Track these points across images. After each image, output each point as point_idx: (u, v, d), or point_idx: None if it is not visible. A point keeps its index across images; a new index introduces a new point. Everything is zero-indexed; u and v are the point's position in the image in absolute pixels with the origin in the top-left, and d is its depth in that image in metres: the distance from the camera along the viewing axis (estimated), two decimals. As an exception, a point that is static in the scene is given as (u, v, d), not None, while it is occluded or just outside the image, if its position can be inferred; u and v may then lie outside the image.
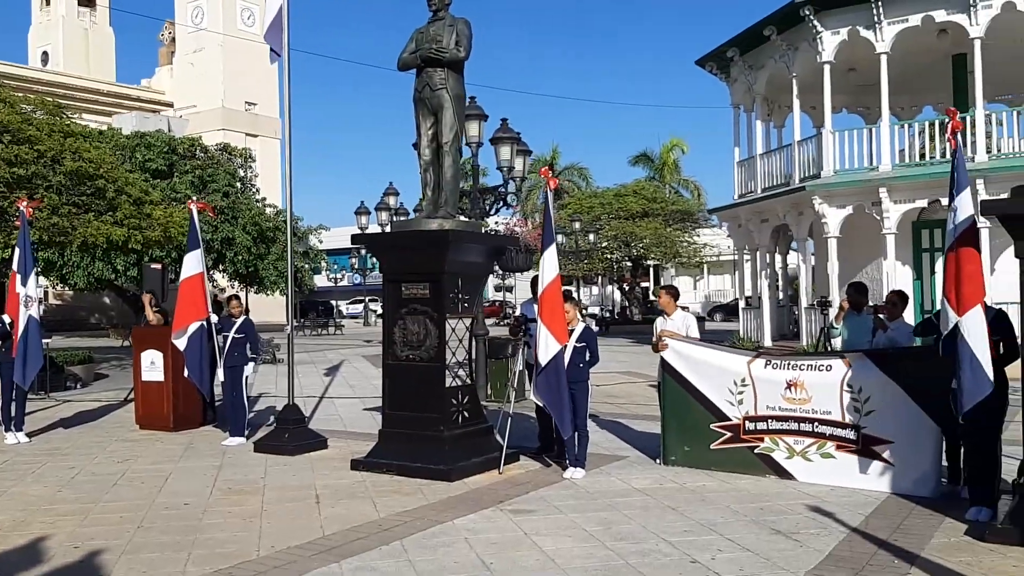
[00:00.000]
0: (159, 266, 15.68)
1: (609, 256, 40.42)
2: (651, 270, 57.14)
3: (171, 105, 50.46)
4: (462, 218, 10.07)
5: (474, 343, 9.30)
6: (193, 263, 10.87)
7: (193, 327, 10.55)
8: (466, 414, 8.62)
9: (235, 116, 49.04)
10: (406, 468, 8.21)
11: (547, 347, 7.99)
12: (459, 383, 8.61)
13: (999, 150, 18.49)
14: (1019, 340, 6.30)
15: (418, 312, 8.47)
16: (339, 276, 60.92)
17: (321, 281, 55.32)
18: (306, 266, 37.92)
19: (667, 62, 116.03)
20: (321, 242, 41.86)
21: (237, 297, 10.88)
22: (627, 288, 47.74)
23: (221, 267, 33.46)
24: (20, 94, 18.62)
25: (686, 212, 42.49)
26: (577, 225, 31.46)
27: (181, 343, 10.59)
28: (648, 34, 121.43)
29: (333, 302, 56.23)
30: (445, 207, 8.54)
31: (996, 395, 6.20)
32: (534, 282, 8.70)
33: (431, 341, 8.39)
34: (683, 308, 9.27)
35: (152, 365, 11.43)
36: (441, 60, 8.42)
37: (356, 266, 50.13)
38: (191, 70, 49.74)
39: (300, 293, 42.00)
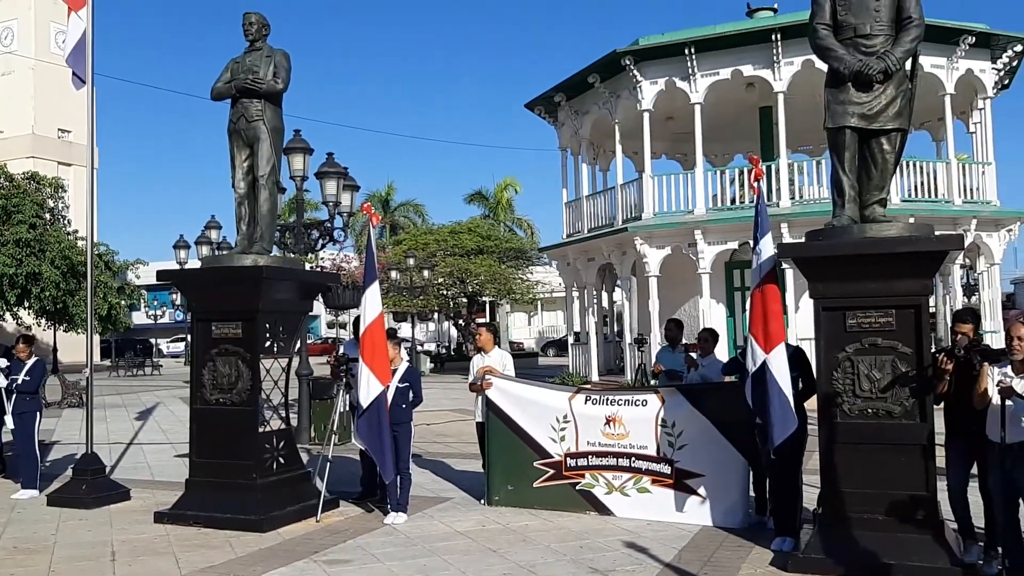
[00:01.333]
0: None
1: (444, 292, 40.38)
2: (486, 306, 57.68)
3: (-25, 130, 46.48)
4: (279, 253, 9.73)
5: (296, 384, 8.94)
6: None
7: None
8: (282, 460, 8.23)
9: (46, 143, 45.79)
10: (215, 520, 7.71)
11: (368, 388, 7.78)
12: (274, 427, 8.23)
13: (801, 196, 19.93)
14: (815, 375, 6.66)
15: (230, 353, 8.05)
16: (159, 313, 57.75)
17: (140, 318, 52.20)
18: (122, 302, 35.67)
19: (502, 103, 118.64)
20: (139, 277, 39.56)
21: (27, 339, 9.94)
22: (462, 324, 47.85)
23: (27, 304, 30.96)
24: None
25: (519, 250, 43.16)
26: (412, 261, 31.19)
27: None
28: (485, 75, 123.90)
29: (152, 340, 53.19)
30: (260, 242, 8.20)
31: (797, 429, 6.54)
32: (356, 321, 8.47)
33: (243, 384, 7.98)
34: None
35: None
36: (258, 91, 8.13)
37: (178, 302, 47.68)
38: (-1, 93, 46.14)
39: (115, 331, 39.45)
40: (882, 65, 6.05)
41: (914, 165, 18.94)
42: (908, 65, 6.34)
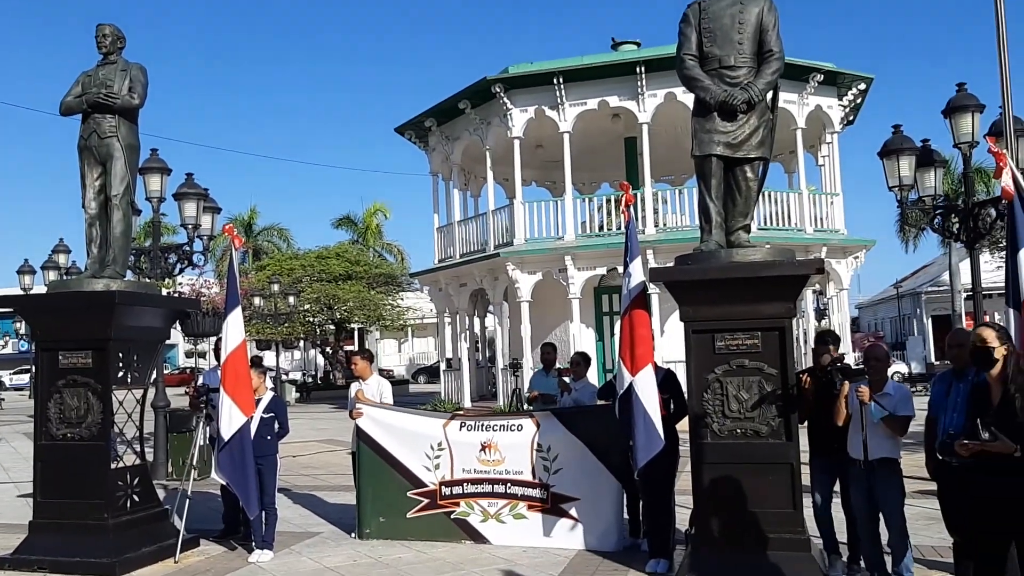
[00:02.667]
0: None
1: (311, 319, 39.43)
2: (355, 333, 56.68)
3: None
4: (134, 278, 9.17)
5: (153, 416, 8.41)
6: None
7: None
8: (136, 497, 7.70)
9: None
10: (62, 564, 7.12)
11: (231, 419, 7.40)
12: (128, 463, 7.70)
13: (665, 224, 20.58)
14: (686, 397, 6.79)
15: (78, 384, 7.49)
16: (1, 343, 53.91)
17: (-22, 349, 48.56)
18: (-42, 332, 33.09)
19: (373, 126, 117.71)
20: (-23, 305, 36.83)
21: None
22: (330, 352, 46.84)
23: None
24: None
25: (389, 275, 42.74)
26: (276, 287, 30.30)
27: None
28: (355, 96, 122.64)
29: (-7, 373, 49.58)
30: (112, 266, 7.70)
31: (668, 451, 6.63)
32: (217, 348, 8.07)
33: (93, 417, 7.44)
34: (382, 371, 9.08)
35: None
36: (112, 106, 7.67)
37: (23, 332, 44.60)
38: None
39: (-50, 364, 36.55)
40: (746, 96, 6.27)
41: (768, 195, 19.89)
42: (769, 97, 6.60)
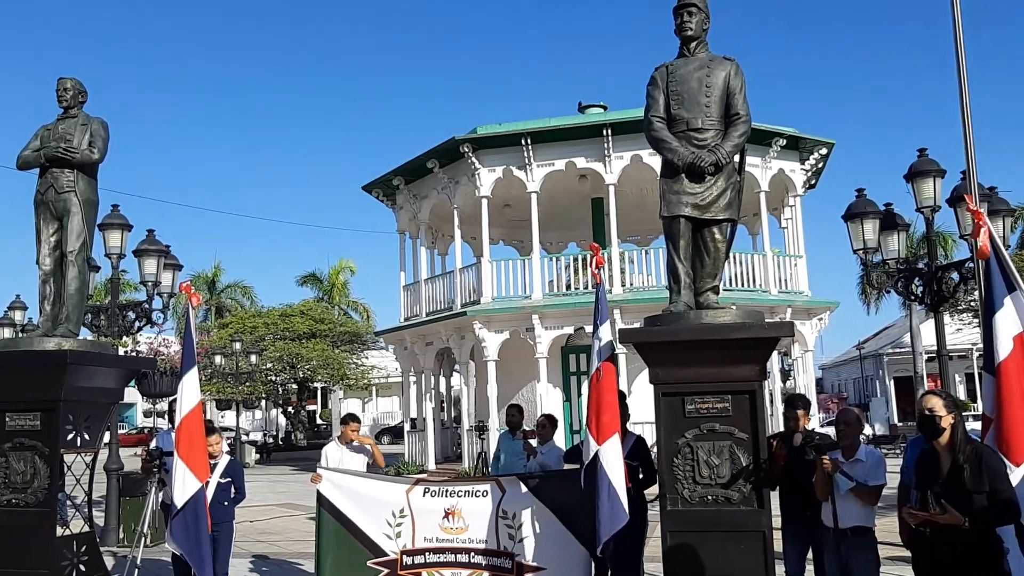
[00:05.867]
0: None
1: (273, 378, 38.86)
2: (318, 392, 55.91)
3: None
4: (92, 336, 8.90)
5: (104, 479, 8.07)
6: None
7: None
8: (82, 568, 7.31)
9: None
10: (-2, 642, 6.72)
11: (184, 485, 7.08)
12: (75, 530, 7.34)
13: (632, 284, 20.65)
14: (655, 463, 6.64)
15: (25, 448, 7.14)
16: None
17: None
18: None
19: (339, 183, 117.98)
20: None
21: None
22: (292, 411, 46.08)
23: None
24: None
25: (354, 334, 42.40)
26: (238, 346, 29.83)
27: None
28: (322, 153, 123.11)
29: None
30: (66, 324, 7.43)
31: (635, 518, 6.45)
32: (171, 409, 7.80)
33: (40, 482, 7.07)
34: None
35: None
36: (71, 160, 7.50)
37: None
38: None
39: None
40: (713, 158, 6.28)
41: (734, 256, 20.08)
42: (736, 159, 6.62)
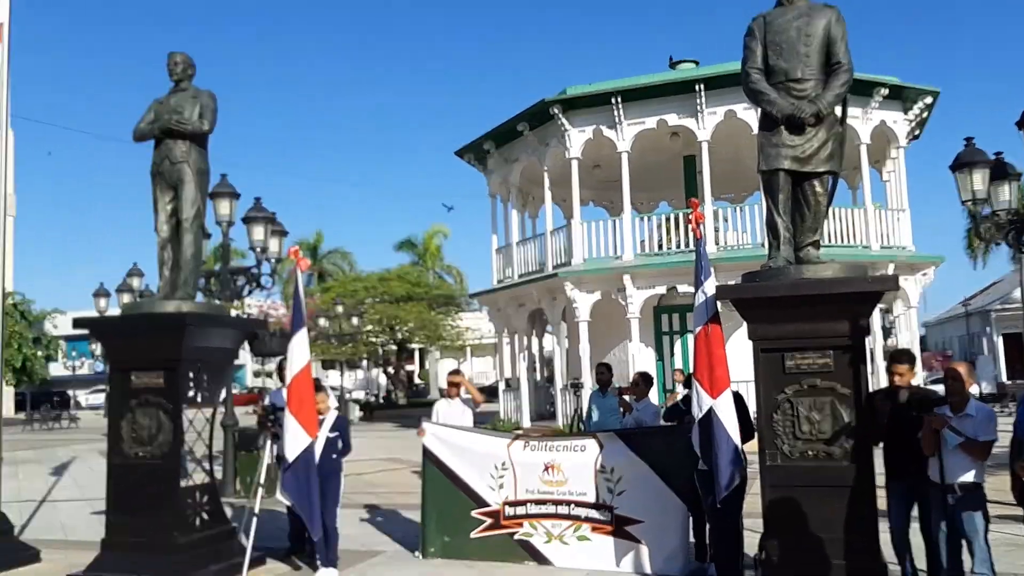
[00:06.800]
0: None
1: (373, 339, 39.92)
2: (416, 353, 57.14)
3: None
4: (205, 300, 9.38)
5: (220, 435, 8.55)
6: None
7: None
8: (205, 516, 7.82)
9: (-47, 188, 43.98)
10: (133, 582, 7.24)
11: (296, 440, 7.42)
12: (197, 481, 7.83)
13: (726, 243, 20.32)
14: (753, 419, 6.64)
15: (150, 404, 7.64)
16: (78, 364, 55.54)
17: (57, 370, 50.09)
18: (38, 353, 34.23)
19: (433, 149, 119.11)
20: (56, 327, 38.00)
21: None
22: (392, 372, 47.27)
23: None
24: None
25: (448, 296, 43.10)
26: (340, 308, 30.79)
27: None
28: (416, 120, 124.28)
29: (71, 392, 51.02)
30: (184, 288, 7.86)
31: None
32: (281, 368, 8.18)
33: (164, 436, 7.58)
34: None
35: None
36: (183, 132, 7.87)
37: (98, 353, 45.97)
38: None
39: (30, 383, 37.74)
40: (813, 109, 6.16)
41: (833, 212, 19.52)
42: (838, 110, 6.47)
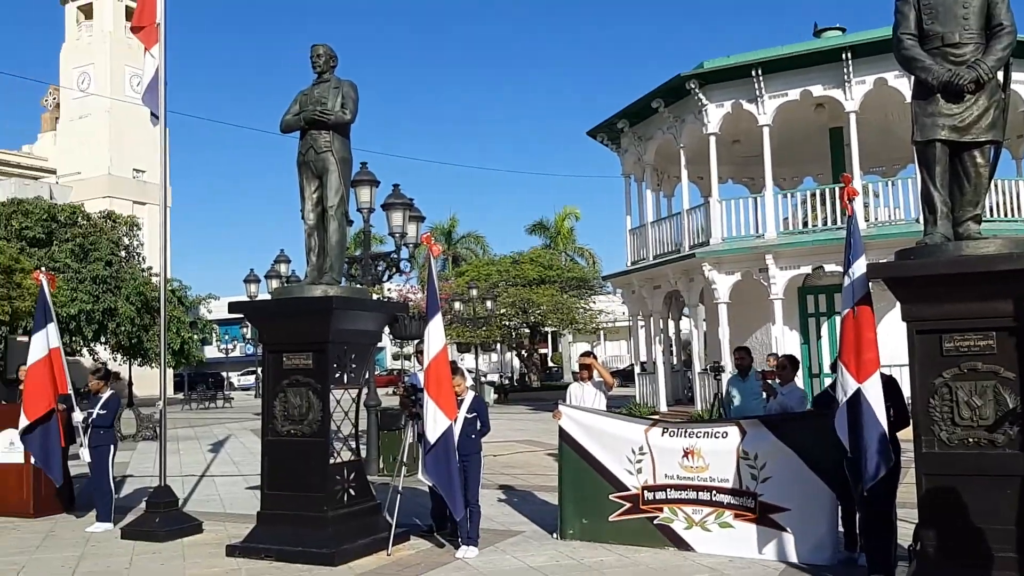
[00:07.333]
0: (27, 339, 14.58)
1: (507, 323, 40.37)
2: (549, 336, 57.45)
3: (54, 172, 48.38)
4: (349, 284, 9.73)
5: (364, 415, 8.87)
6: (40, 345, 9.83)
7: (40, 419, 9.65)
8: (352, 492, 8.13)
9: (121, 183, 47.39)
10: (286, 553, 7.63)
11: (435, 423, 7.59)
12: (345, 459, 8.14)
13: (876, 219, 19.34)
14: (908, 404, 6.31)
15: (300, 384, 8.01)
16: (230, 347, 58.90)
17: (212, 352, 53.33)
18: (194, 337, 36.47)
19: (563, 132, 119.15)
20: (211, 312, 40.42)
21: (103, 374, 10.03)
22: (525, 355, 47.72)
23: (103, 339, 31.83)
24: None
25: (581, 279, 43.01)
26: (474, 292, 31.24)
27: (28, 441, 9.73)
28: (546, 103, 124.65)
29: (224, 373, 54.21)
30: (330, 273, 8.17)
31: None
32: (419, 351, 8.39)
33: (314, 415, 7.92)
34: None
35: (11, 446, 10.44)
36: (326, 122, 8.15)
37: (248, 336, 48.63)
38: (76, 136, 47.92)
39: (187, 365, 40.27)
40: (973, 75, 5.75)
41: (995, 184, 18.21)
42: (1001, 75, 6.02)
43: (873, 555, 6.53)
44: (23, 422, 9.65)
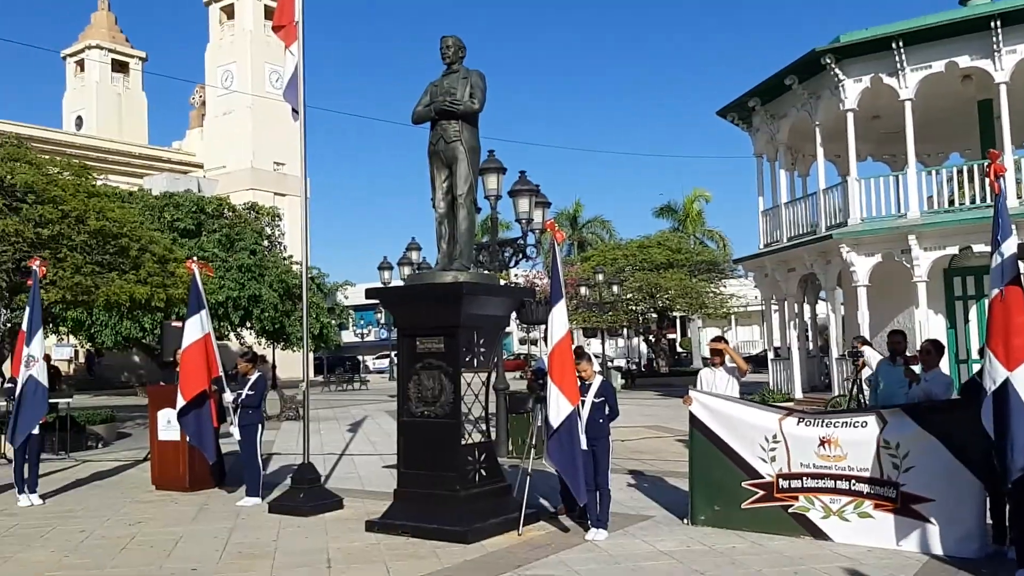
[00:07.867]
0: (181, 324, 15.57)
1: (634, 308, 39.99)
2: (677, 321, 56.60)
3: (201, 166, 51.23)
4: (478, 270, 9.89)
5: (493, 398, 9.05)
6: (194, 330, 10.60)
7: (196, 400, 10.33)
8: (483, 472, 8.33)
9: (263, 176, 49.63)
10: (421, 530, 7.91)
11: (558, 408, 7.66)
12: (476, 440, 8.34)
13: (1030, 196, 18.10)
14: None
15: (433, 367, 8.26)
16: (365, 331, 61.01)
17: (348, 337, 55.38)
18: (332, 322, 37.90)
19: (690, 112, 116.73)
20: (347, 298, 41.96)
21: (251, 357, 10.66)
22: (653, 340, 47.21)
23: (248, 324, 33.56)
24: (47, 156, 18.81)
25: (711, 262, 42.07)
26: (600, 277, 31.08)
27: (184, 421, 10.43)
28: (671, 84, 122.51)
29: (360, 357, 56.20)
30: (460, 259, 8.37)
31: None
32: (546, 336, 8.48)
33: (446, 397, 8.15)
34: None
35: (169, 424, 11.22)
36: (455, 112, 8.33)
37: (382, 321, 50.23)
38: (221, 131, 50.55)
39: (326, 349, 41.97)
40: None
41: None
42: None
43: (1023, 549, 6.19)
44: (180, 402, 10.37)
